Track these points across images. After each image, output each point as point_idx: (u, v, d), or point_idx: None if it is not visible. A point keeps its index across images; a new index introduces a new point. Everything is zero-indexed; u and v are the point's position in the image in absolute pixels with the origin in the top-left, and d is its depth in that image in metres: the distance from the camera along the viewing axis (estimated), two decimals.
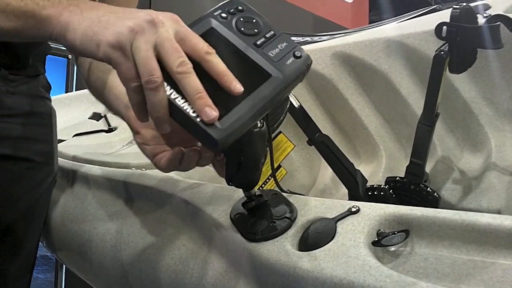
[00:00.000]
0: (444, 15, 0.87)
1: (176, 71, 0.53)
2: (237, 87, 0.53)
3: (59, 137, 1.58)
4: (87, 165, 1.19)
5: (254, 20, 0.61)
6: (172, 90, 0.54)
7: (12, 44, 0.87)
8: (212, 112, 0.51)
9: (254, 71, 0.58)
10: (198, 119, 0.52)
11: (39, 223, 1.04)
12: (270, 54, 0.59)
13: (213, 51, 0.55)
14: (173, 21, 0.56)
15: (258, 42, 0.59)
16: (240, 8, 0.62)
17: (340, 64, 1.16)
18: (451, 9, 0.85)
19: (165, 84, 0.54)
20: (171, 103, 0.54)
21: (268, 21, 0.62)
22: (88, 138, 1.55)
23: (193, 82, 0.53)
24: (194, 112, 0.53)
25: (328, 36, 1.44)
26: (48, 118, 1.02)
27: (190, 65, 0.53)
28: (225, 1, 0.62)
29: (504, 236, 0.52)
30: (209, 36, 0.59)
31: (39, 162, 0.97)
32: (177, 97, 0.54)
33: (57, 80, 4.27)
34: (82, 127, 1.57)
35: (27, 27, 0.62)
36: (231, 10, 0.61)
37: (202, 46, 0.55)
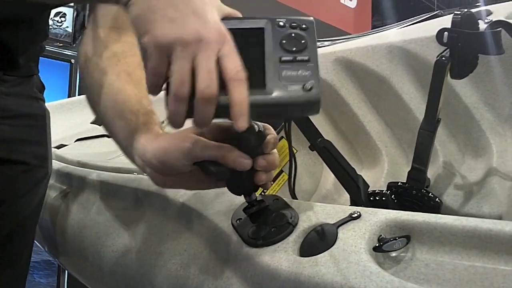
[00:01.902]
0: (446, 21, 0.87)
1: (200, 94, 0.54)
2: (242, 124, 0.55)
3: (61, 142, 1.59)
4: (89, 170, 1.19)
5: (302, 41, 0.61)
6: None
7: (4, 43, 0.86)
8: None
9: (257, 77, 0.58)
10: None
11: (34, 226, 1.02)
12: (282, 73, 0.58)
13: (243, 77, 0.55)
14: (220, 41, 0.56)
15: (283, 58, 0.59)
16: (304, 26, 0.62)
17: (342, 69, 1.17)
18: (452, 15, 0.86)
19: None
20: None
21: (315, 52, 0.61)
22: (90, 143, 1.56)
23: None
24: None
25: (330, 42, 1.44)
26: (42, 119, 1.00)
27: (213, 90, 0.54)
28: (303, 17, 0.62)
29: (505, 242, 0.52)
30: (254, 33, 0.60)
31: (34, 165, 0.96)
32: None
33: (60, 84, 4.28)
34: (84, 131, 1.57)
35: None
36: (293, 24, 0.61)
37: (235, 69, 0.55)
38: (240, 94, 0.55)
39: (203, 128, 0.60)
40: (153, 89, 0.57)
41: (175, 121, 0.56)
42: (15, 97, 0.91)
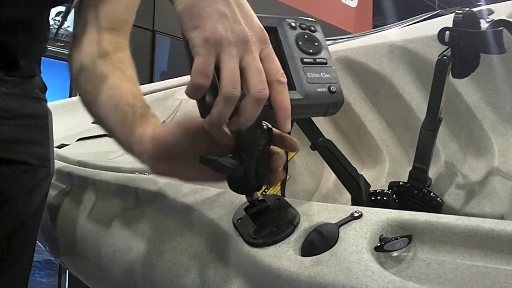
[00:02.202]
0: (447, 20, 0.86)
1: (255, 95, 0.53)
2: (288, 127, 0.55)
3: (62, 142, 1.59)
4: (91, 169, 1.19)
5: (316, 43, 0.63)
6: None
7: (5, 44, 0.86)
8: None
9: None
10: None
11: (36, 226, 1.02)
12: (308, 75, 0.60)
13: (285, 80, 0.55)
14: (262, 41, 0.55)
15: (305, 60, 0.61)
16: (312, 28, 0.63)
17: (343, 69, 1.17)
18: (454, 14, 0.85)
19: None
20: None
21: (329, 52, 0.63)
22: (91, 143, 1.56)
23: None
24: None
25: (331, 41, 1.44)
26: (44, 119, 1.00)
27: (267, 92, 0.54)
28: (308, 19, 0.64)
29: (507, 241, 0.51)
30: (267, 33, 0.60)
31: (36, 165, 0.96)
32: None
33: (61, 84, 4.28)
34: (85, 131, 1.57)
35: None
36: (303, 26, 0.63)
37: (278, 72, 0.54)
38: (285, 98, 0.54)
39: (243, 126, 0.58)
40: (198, 91, 0.54)
41: (219, 123, 0.55)
42: (16, 97, 0.91)
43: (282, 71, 0.55)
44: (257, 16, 0.60)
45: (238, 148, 0.63)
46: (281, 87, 0.54)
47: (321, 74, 0.61)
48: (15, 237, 0.94)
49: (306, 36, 0.62)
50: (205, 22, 0.52)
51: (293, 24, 0.62)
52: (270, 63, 0.55)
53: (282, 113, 0.54)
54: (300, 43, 0.61)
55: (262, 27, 0.56)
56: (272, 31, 0.61)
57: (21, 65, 0.91)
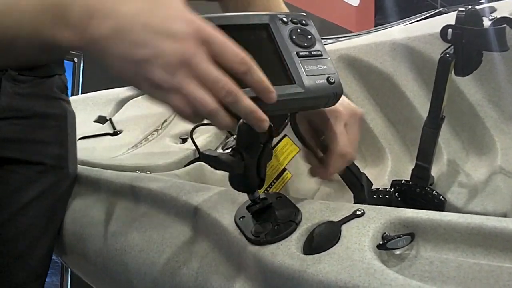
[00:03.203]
0: (450, 18, 0.86)
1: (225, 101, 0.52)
2: (273, 96, 0.54)
3: None
4: (92, 168, 1.19)
5: (309, 36, 0.63)
6: None
7: None
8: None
9: (282, 73, 0.60)
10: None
11: (53, 227, 1.01)
12: (305, 67, 0.60)
13: (249, 60, 0.53)
14: (202, 42, 0.51)
15: (301, 53, 0.61)
16: (304, 22, 0.64)
17: (345, 67, 1.16)
18: (456, 11, 0.85)
19: None
20: None
21: (323, 45, 0.64)
22: (93, 141, 1.55)
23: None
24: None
25: (333, 39, 1.44)
26: (62, 119, 0.99)
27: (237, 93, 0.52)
28: (299, 13, 0.65)
29: (510, 239, 0.51)
30: (261, 29, 0.61)
31: (51, 166, 0.95)
32: None
33: None
34: (87, 130, 1.57)
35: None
36: (294, 20, 0.63)
37: (237, 57, 0.52)
38: (258, 72, 0.53)
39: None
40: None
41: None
42: (30, 97, 0.91)
43: (240, 53, 0.52)
44: (248, 15, 0.61)
45: (239, 146, 0.63)
46: (247, 66, 0.53)
47: (318, 66, 0.62)
48: (32, 235, 0.94)
49: (299, 30, 0.63)
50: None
51: (284, 19, 0.62)
52: (225, 57, 0.52)
53: (263, 85, 0.54)
54: (294, 37, 0.62)
55: (190, 21, 0.52)
56: (265, 28, 0.61)
57: (39, 65, 0.90)
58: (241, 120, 0.62)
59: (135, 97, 1.66)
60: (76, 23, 0.50)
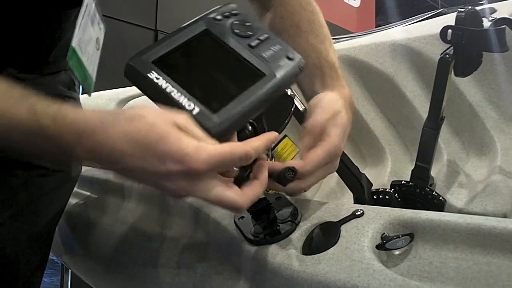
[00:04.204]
0: (450, 19, 0.86)
1: None
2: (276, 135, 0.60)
3: None
4: (92, 168, 1.19)
5: (248, 24, 0.63)
6: (167, 84, 0.55)
7: (33, 43, 0.83)
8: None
9: (249, 71, 0.59)
10: (194, 112, 0.54)
11: (52, 229, 0.97)
12: (264, 55, 0.60)
13: (250, 151, 0.55)
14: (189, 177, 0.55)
15: (253, 44, 0.61)
16: (234, 12, 0.64)
17: (345, 67, 1.16)
18: (456, 12, 0.85)
19: (161, 77, 0.55)
20: (167, 96, 0.54)
21: (261, 24, 0.65)
22: None
23: None
24: (189, 105, 0.54)
25: (333, 40, 1.43)
26: None
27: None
28: (219, 6, 0.64)
29: (509, 239, 0.51)
30: (204, 37, 0.60)
31: (52, 170, 0.91)
32: (172, 91, 0.55)
33: None
34: None
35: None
36: (226, 14, 0.63)
37: (239, 158, 0.55)
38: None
39: None
40: None
41: None
42: None
43: (238, 153, 0.55)
44: (181, 30, 0.60)
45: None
46: (250, 160, 0.56)
47: (273, 48, 0.62)
48: (30, 238, 0.90)
49: (236, 22, 0.63)
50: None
51: (218, 17, 0.62)
52: (227, 164, 0.56)
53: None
54: (236, 31, 0.62)
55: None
56: (207, 33, 0.61)
57: (45, 62, 0.86)
58: None
59: (136, 98, 1.66)
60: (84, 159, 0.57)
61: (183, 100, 0.54)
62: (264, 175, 0.58)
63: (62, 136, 0.55)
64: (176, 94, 0.54)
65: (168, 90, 0.55)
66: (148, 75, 0.55)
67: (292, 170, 0.60)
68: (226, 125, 0.54)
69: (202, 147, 0.52)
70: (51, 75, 0.90)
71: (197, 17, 0.62)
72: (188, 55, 0.59)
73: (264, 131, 0.64)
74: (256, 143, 0.56)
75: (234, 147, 0.54)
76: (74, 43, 0.78)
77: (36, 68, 0.86)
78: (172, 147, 0.53)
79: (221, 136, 0.54)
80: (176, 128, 0.53)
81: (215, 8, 0.63)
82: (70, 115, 0.55)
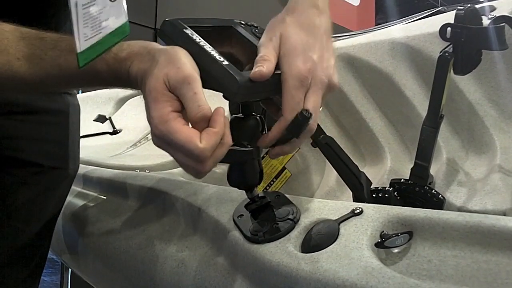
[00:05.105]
0: (449, 17, 0.86)
1: None
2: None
3: None
4: (92, 167, 1.19)
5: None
6: (201, 39, 0.61)
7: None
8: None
9: None
10: (224, 63, 0.59)
11: (50, 227, 0.96)
12: None
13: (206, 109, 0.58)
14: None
15: None
16: (255, 25, 0.72)
17: (344, 66, 1.16)
18: (455, 10, 0.85)
19: (195, 34, 0.61)
20: (201, 48, 0.60)
21: None
22: (92, 140, 1.56)
23: None
24: (220, 58, 0.59)
25: (333, 38, 1.43)
26: (63, 116, 0.92)
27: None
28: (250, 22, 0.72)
29: (508, 237, 0.51)
30: (227, 30, 0.68)
31: (48, 167, 0.89)
32: (206, 45, 0.60)
33: None
34: (87, 129, 1.57)
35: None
36: (249, 24, 0.71)
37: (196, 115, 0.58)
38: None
39: None
40: None
41: None
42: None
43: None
44: (212, 19, 0.68)
45: (239, 139, 0.63)
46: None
47: None
48: (29, 236, 0.90)
49: (257, 30, 0.70)
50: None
51: (242, 23, 0.70)
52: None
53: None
54: (258, 35, 0.68)
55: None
56: (229, 30, 0.69)
57: None
58: (233, 116, 0.63)
59: (135, 96, 1.67)
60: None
61: (215, 54, 0.59)
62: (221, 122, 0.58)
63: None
64: (208, 48, 0.60)
65: (202, 43, 0.60)
66: (185, 30, 0.61)
67: (307, 111, 0.61)
68: (248, 83, 0.59)
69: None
70: None
71: (225, 19, 0.70)
72: (215, 34, 0.66)
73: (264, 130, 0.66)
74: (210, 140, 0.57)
75: (185, 134, 0.56)
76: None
77: None
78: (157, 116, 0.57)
79: (244, 89, 0.58)
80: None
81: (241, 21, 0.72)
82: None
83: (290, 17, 0.67)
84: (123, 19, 0.84)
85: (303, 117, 0.61)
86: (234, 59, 0.69)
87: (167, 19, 0.63)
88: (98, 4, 0.79)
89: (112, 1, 0.84)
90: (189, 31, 0.61)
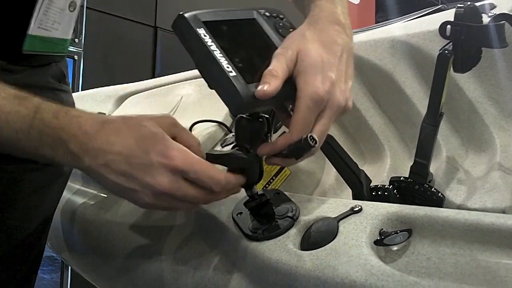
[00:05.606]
0: (449, 15, 0.86)
1: None
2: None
3: None
4: None
5: (290, 29, 0.68)
6: (212, 43, 0.59)
7: (12, 31, 0.79)
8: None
9: None
10: (231, 75, 0.57)
11: (46, 224, 0.97)
12: None
13: (221, 180, 0.62)
14: (177, 173, 0.61)
15: None
16: (281, 16, 0.69)
17: None
18: (455, 8, 0.85)
19: (208, 36, 0.59)
20: (210, 54, 0.58)
21: None
22: None
23: None
24: (228, 67, 0.57)
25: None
26: None
27: None
28: (273, 8, 0.70)
29: (507, 235, 0.51)
30: (250, 23, 0.66)
31: (43, 164, 0.88)
32: (215, 50, 0.58)
33: None
34: None
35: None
36: (274, 14, 0.68)
37: (212, 180, 0.62)
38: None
39: None
40: None
41: None
42: (23, 88, 0.83)
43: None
44: (231, 10, 0.65)
45: (242, 141, 0.63)
46: None
47: None
48: (25, 233, 0.90)
49: (281, 24, 0.68)
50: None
51: (267, 14, 0.67)
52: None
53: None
54: (280, 30, 0.66)
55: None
56: (252, 23, 0.66)
57: (27, 54, 0.83)
58: (238, 115, 0.63)
59: (134, 94, 1.66)
60: (74, 154, 0.61)
61: (223, 62, 0.58)
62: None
63: (64, 127, 0.61)
64: (218, 54, 0.58)
65: (212, 48, 0.58)
66: (198, 30, 0.59)
67: (313, 138, 0.60)
68: (252, 99, 0.57)
69: (189, 151, 0.60)
70: (41, 67, 0.88)
71: (249, 8, 0.67)
72: (234, 31, 0.63)
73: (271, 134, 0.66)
74: (231, 178, 0.62)
75: (212, 168, 0.60)
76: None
77: (24, 60, 0.83)
78: (159, 143, 0.59)
79: (246, 104, 0.57)
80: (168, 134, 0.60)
81: (267, 8, 0.69)
82: (72, 111, 0.63)
83: (311, 32, 0.65)
84: (68, 35, 0.86)
85: (307, 144, 0.59)
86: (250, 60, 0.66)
87: (181, 13, 0.60)
88: (61, 2, 0.80)
89: (71, 11, 0.86)
90: (202, 32, 0.59)
